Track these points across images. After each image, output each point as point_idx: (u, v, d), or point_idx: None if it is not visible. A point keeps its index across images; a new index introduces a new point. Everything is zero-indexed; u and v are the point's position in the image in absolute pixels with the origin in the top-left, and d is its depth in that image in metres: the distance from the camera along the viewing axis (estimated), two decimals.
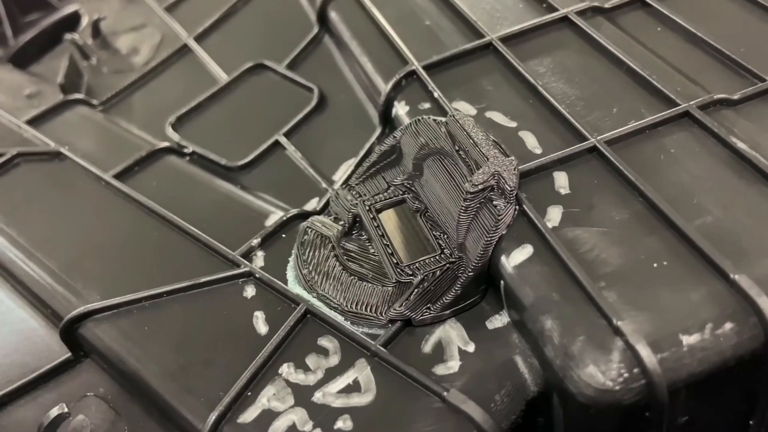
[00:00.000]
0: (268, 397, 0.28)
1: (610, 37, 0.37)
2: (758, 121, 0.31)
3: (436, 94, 0.36)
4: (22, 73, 0.57)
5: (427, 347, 0.29)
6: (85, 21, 0.62)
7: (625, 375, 0.23)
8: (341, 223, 0.34)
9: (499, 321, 0.29)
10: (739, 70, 0.33)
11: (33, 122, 0.47)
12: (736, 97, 0.32)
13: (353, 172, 0.37)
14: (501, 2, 0.42)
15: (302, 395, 0.28)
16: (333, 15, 0.46)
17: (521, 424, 0.27)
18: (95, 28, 0.59)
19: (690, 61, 0.35)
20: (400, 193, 0.35)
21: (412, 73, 0.38)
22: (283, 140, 0.42)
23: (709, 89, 0.33)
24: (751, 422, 0.26)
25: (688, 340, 0.24)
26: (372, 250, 0.33)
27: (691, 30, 0.36)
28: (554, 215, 0.29)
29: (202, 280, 0.33)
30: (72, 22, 0.63)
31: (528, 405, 0.27)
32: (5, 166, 0.43)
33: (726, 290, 0.25)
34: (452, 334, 0.29)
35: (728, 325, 0.24)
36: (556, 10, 0.39)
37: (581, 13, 0.39)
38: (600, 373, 0.24)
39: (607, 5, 0.39)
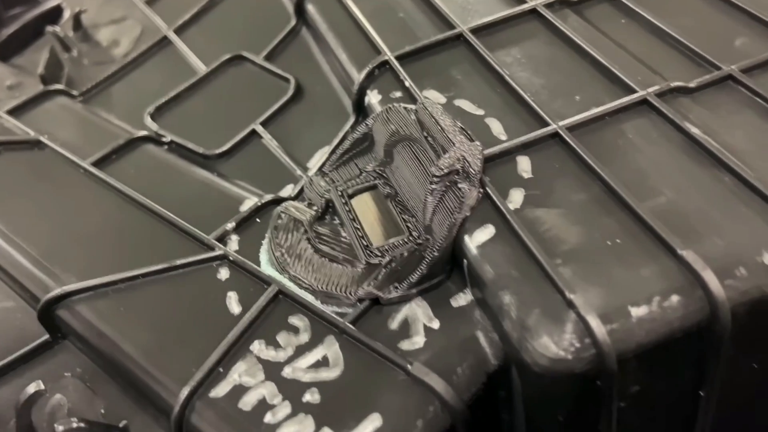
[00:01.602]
0: (239, 373, 0.29)
1: (576, 28, 0.38)
2: (712, 107, 0.32)
3: (407, 83, 0.37)
4: (3, 65, 0.57)
5: (394, 324, 0.30)
6: (66, 14, 0.63)
7: (577, 345, 0.25)
8: (315, 208, 0.35)
9: (462, 299, 0.30)
10: (698, 60, 0.35)
11: (13, 112, 0.48)
12: (692, 85, 0.33)
13: (327, 159, 0.38)
14: None
15: (272, 371, 0.29)
16: (310, 7, 0.47)
17: (483, 396, 0.28)
18: (76, 21, 0.60)
19: (651, 51, 0.36)
20: (372, 179, 0.36)
21: (385, 63, 0.39)
22: (260, 129, 0.43)
23: (668, 78, 0.34)
24: (701, 393, 0.28)
25: (636, 312, 0.25)
26: (343, 234, 0.34)
27: (653, 22, 0.37)
28: (516, 197, 0.30)
29: (177, 262, 0.34)
30: (54, 15, 0.64)
31: (489, 378, 0.28)
32: None
33: (674, 266, 0.26)
34: (418, 312, 0.30)
35: (675, 298, 0.25)
36: (525, 2, 0.40)
37: (549, 6, 0.40)
38: (553, 344, 0.25)
39: None
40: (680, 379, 0.27)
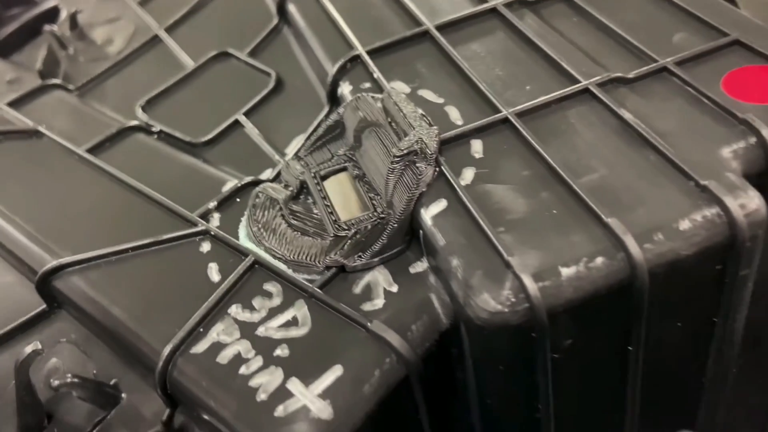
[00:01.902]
0: (217, 332, 0.32)
1: (531, 26, 0.42)
2: (647, 96, 0.35)
3: (375, 75, 0.40)
4: (3, 62, 0.60)
5: (357, 289, 0.33)
6: (63, 14, 0.66)
7: (513, 300, 0.28)
8: (290, 188, 0.38)
9: (419, 266, 0.33)
10: (638, 54, 0.38)
11: (13, 104, 0.51)
12: (630, 76, 0.36)
13: (303, 145, 0.41)
14: None
15: (247, 330, 0.32)
16: (291, 7, 0.51)
17: (435, 353, 0.32)
18: (73, 21, 0.63)
19: (597, 46, 0.40)
20: (343, 162, 0.39)
21: (357, 58, 0.42)
22: (243, 119, 0.46)
23: (610, 70, 0.37)
24: (629, 348, 0.31)
25: (565, 271, 0.28)
26: (315, 211, 0.37)
27: (601, 20, 0.41)
28: (468, 175, 0.33)
29: (163, 237, 0.37)
30: (52, 15, 0.67)
31: (441, 336, 0.32)
32: None
33: (600, 232, 0.29)
34: (379, 278, 0.33)
35: (600, 260, 0.28)
36: (486, 2, 0.44)
37: (508, 5, 0.43)
38: (492, 300, 0.28)
39: None
40: (609, 335, 0.30)
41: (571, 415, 0.32)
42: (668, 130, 0.33)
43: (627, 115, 0.34)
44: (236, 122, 0.46)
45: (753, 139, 0.32)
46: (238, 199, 0.39)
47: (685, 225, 0.29)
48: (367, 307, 0.32)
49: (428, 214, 0.32)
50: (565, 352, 0.30)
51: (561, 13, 0.43)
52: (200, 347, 0.32)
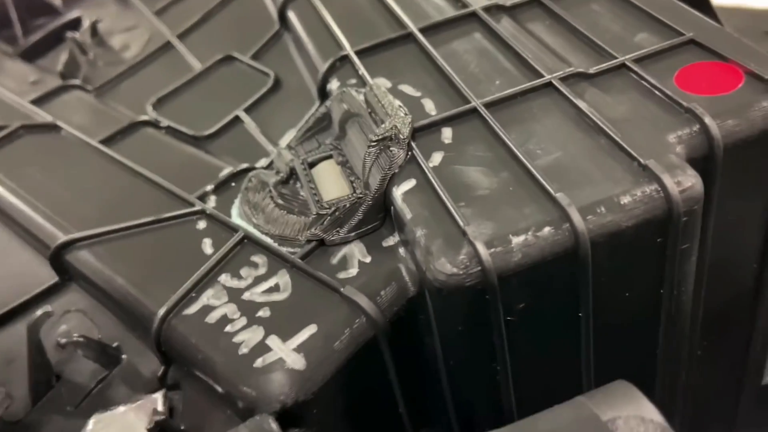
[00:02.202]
0: (208, 297, 0.36)
1: (506, 28, 0.45)
2: (605, 89, 0.39)
3: (360, 72, 0.44)
4: (28, 65, 0.65)
5: (335, 260, 0.36)
6: (85, 24, 0.71)
7: (467, 264, 0.31)
8: (281, 174, 0.42)
9: (391, 240, 0.36)
10: (602, 52, 0.41)
11: (35, 102, 0.55)
12: (591, 71, 0.40)
13: (294, 136, 0.45)
14: (428, 2, 0.50)
15: (235, 295, 0.36)
16: (290, 14, 0.55)
17: (404, 318, 0.35)
18: (93, 29, 0.68)
19: (566, 45, 0.43)
20: (329, 150, 0.42)
21: (345, 57, 0.46)
22: (243, 115, 0.50)
23: (575, 67, 0.40)
24: (580, 314, 0.34)
25: (515, 239, 0.31)
26: (301, 194, 0.40)
27: (570, 23, 0.44)
28: (436, 158, 0.37)
29: (164, 216, 0.41)
30: (74, 25, 0.72)
31: (409, 302, 0.35)
32: (10, 137, 0.51)
33: (550, 206, 0.32)
34: (355, 250, 0.36)
35: (547, 229, 0.31)
36: (467, 7, 0.47)
37: (487, 10, 0.47)
38: (449, 263, 0.31)
39: (508, 4, 0.47)
40: (559, 301, 0.33)
41: (529, 378, 0.35)
42: (620, 118, 0.36)
43: (583, 105, 0.37)
44: (236, 118, 0.50)
45: (696, 126, 0.35)
46: (233, 184, 0.43)
47: (626, 199, 0.32)
48: (342, 275, 0.35)
49: (399, 191, 0.35)
50: (518, 315, 0.33)
51: (536, 16, 0.46)
52: (192, 309, 0.35)
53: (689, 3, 0.45)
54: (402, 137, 0.37)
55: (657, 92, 0.38)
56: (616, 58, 0.40)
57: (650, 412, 0.26)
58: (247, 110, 0.50)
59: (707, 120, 0.35)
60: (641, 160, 0.33)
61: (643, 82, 0.38)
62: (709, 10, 0.61)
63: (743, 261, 0.41)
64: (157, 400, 0.35)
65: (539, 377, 0.36)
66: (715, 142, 0.35)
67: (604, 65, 0.40)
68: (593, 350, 0.36)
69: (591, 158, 0.34)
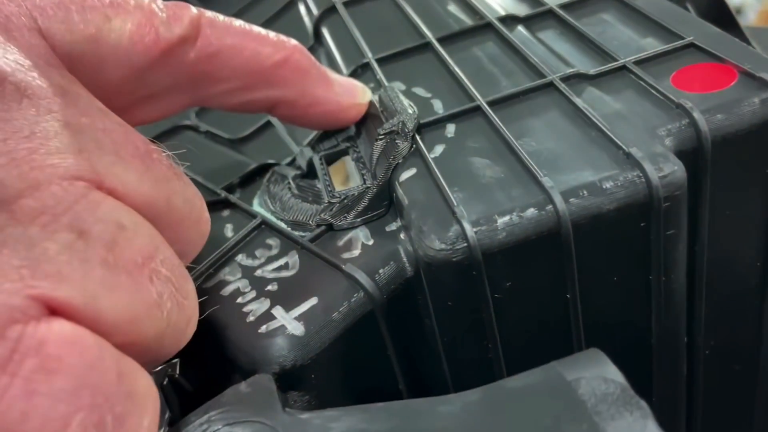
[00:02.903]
0: (224, 273, 0.39)
1: (517, 36, 0.48)
2: (605, 89, 0.40)
3: (378, 77, 0.47)
4: None
5: (341, 243, 0.39)
6: None
7: (453, 240, 0.33)
8: (300, 169, 0.45)
9: (394, 226, 0.39)
10: (606, 56, 0.43)
11: None
12: (591, 72, 0.42)
13: (316, 135, 0.48)
14: (449, 14, 0.53)
15: (248, 272, 0.39)
16: (324, 29, 0.59)
17: (402, 297, 0.37)
18: None
19: (572, 51, 0.45)
20: (345, 147, 0.46)
21: (367, 64, 0.49)
22: (274, 120, 0.54)
23: (578, 68, 0.43)
24: (568, 296, 0.36)
25: (501, 219, 0.33)
26: (317, 186, 0.44)
27: (579, 30, 0.46)
28: (438, 150, 0.39)
29: None
30: None
31: (407, 282, 0.37)
32: None
33: (536, 189, 0.34)
34: (359, 234, 0.39)
35: (531, 210, 0.33)
36: (482, 18, 0.50)
37: (502, 20, 0.49)
38: (437, 240, 0.34)
39: (522, 15, 0.50)
40: (545, 280, 0.35)
41: (520, 357, 0.37)
42: (612, 113, 0.38)
43: (578, 102, 0.39)
44: (268, 122, 0.54)
45: (686, 120, 0.37)
46: (258, 178, 0.47)
47: (607, 184, 0.34)
48: (345, 255, 0.38)
49: (400, 179, 0.38)
50: (506, 293, 0.35)
51: (548, 26, 0.49)
52: (209, 284, 0.39)
53: (716, 22, 0.47)
54: (407, 131, 0.40)
55: (653, 91, 0.39)
56: (617, 59, 0.42)
57: (613, 373, 0.28)
58: None
59: (696, 114, 0.37)
60: (625, 149, 0.35)
61: (640, 82, 0.40)
62: (736, 29, 0.63)
63: (745, 259, 0.42)
64: (176, 364, 0.38)
65: (530, 357, 0.37)
66: (703, 135, 0.36)
67: (605, 67, 0.42)
68: (583, 332, 0.37)
69: (580, 149, 0.36)
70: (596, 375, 0.28)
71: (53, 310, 0.25)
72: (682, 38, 0.43)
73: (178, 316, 0.29)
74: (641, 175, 0.34)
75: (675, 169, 0.34)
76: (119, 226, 0.27)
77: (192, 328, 0.31)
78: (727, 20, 0.64)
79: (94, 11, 0.31)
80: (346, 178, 0.43)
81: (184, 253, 0.33)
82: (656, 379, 0.41)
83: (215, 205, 0.45)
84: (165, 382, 0.34)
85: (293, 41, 0.40)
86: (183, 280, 0.30)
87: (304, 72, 0.40)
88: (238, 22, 0.38)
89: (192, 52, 0.35)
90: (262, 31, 0.39)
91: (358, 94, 0.43)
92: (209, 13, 0.36)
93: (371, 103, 0.44)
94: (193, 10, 0.35)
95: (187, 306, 0.30)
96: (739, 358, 0.46)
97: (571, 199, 0.33)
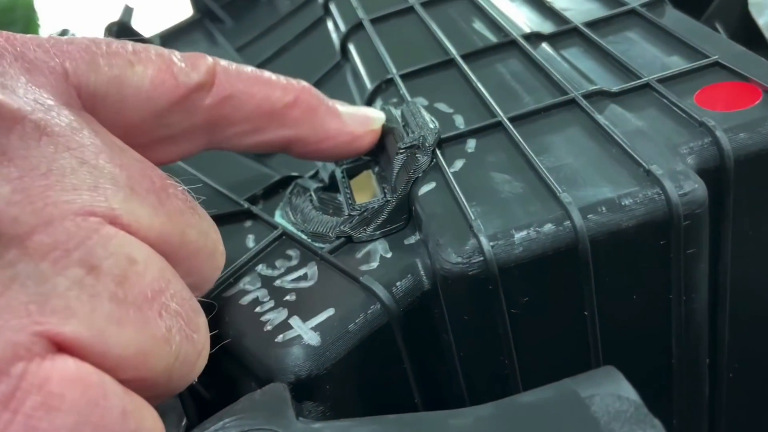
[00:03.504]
0: (244, 283, 0.40)
1: (541, 53, 0.48)
2: (627, 106, 0.40)
3: (402, 92, 0.47)
4: None
5: (359, 255, 0.39)
6: None
7: (470, 254, 0.33)
8: (322, 182, 0.46)
9: (412, 239, 0.39)
10: (630, 74, 0.43)
11: None
12: (614, 89, 0.42)
13: None
14: (474, 31, 0.53)
15: (267, 282, 0.39)
16: (350, 46, 0.59)
17: (419, 310, 0.37)
18: None
19: (596, 68, 0.45)
20: (367, 161, 0.46)
21: (391, 80, 0.50)
22: None
23: (601, 86, 0.42)
24: (585, 313, 0.35)
25: (518, 234, 0.33)
26: (338, 199, 0.44)
27: (603, 48, 0.46)
28: (458, 164, 0.39)
29: (215, 214, 0.45)
30: None
31: (423, 295, 0.37)
32: None
33: (554, 205, 0.34)
34: (378, 247, 0.39)
35: (548, 226, 0.33)
36: (507, 36, 0.50)
37: (526, 38, 0.50)
38: (454, 254, 0.34)
39: (547, 33, 0.50)
40: (563, 297, 0.35)
41: (537, 375, 0.37)
42: (634, 131, 0.38)
43: (600, 118, 0.39)
44: None
45: (708, 139, 0.36)
46: (280, 190, 0.47)
47: (627, 201, 0.33)
48: (363, 267, 0.38)
49: (419, 193, 0.38)
50: (523, 309, 0.35)
51: (572, 44, 0.49)
52: (229, 292, 0.39)
53: (746, 41, 0.47)
54: (427, 145, 0.40)
55: (676, 109, 0.39)
56: (641, 77, 0.42)
57: (627, 391, 0.27)
58: None
59: (718, 133, 0.36)
60: (645, 166, 0.34)
61: (663, 100, 0.40)
62: (766, 48, 0.62)
63: None
64: None
65: (546, 373, 0.37)
66: (726, 153, 0.36)
67: (628, 84, 0.42)
68: (602, 350, 0.37)
69: (600, 165, 0.36)
70: (610, 392, 0.27)
71: (60, 345, 0.26)
72: (707, 56, 0.42)
73: (187, 349, 0.30)
74: (661, 192, 0.33)
75: (695, 187, 0.33)
76: (130, 260, 0.28)
77: (203, 361, 0.32)
78: (756, 39, 0.63)
79: (118, 57, 0.33)
80: (367, 191, 0.44)
81: (198, 286, 0.33)
82: (676, 400, 0.40)
83: (238, 216, 0.45)
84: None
85: (302, 82, 0.41)
86: (193, 314, 0.31)
87: (313, 110, 0.41)
88: (250, 68, 0.40)
89: (208, 97, 0.37)
90: (273, 75, 0.40)
91: (370, 121, 0.44)
92: (223, 62, 0.38)
93: (393, 118, 0.44)
94: (209, 59, 0.38)
95: (197, 340, 0.31)
96: (766, 381, 0.45)
97: (589, 215, 0.33)
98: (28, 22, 1.98)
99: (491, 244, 0.33)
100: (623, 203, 0.34)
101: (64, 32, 0.82)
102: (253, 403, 0.32)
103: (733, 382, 0.44)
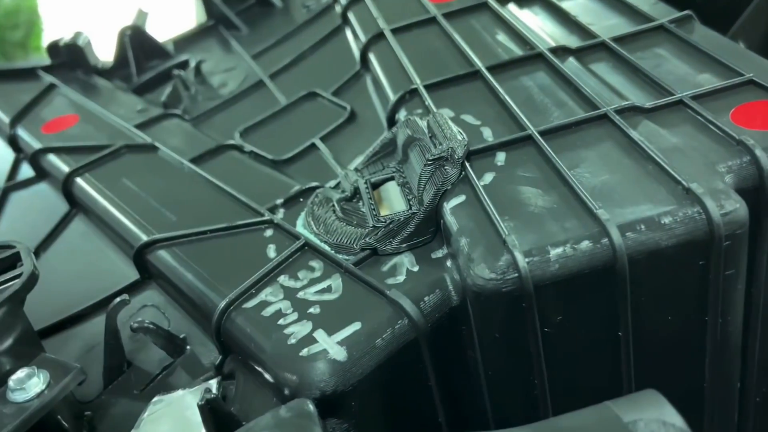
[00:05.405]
0: (266, 294, 0.39)
1: (569, 67, 0.47)
2: (660, 122, 0.40)
3: (427, 103, 0.47)
4: (136, 96, 0.72)
5: (385, 268, 0.38)
6: (192, 64, 0.78)
7: (504, 270, 0.32)
8: (345, 192, 0.45)
9: (440, 253, 0.38)
10: (662, 90, 0.42)
11: (139, 126, 0.62)
12: (647, 105, 0.41)
13: (361, 160, 0.48)
14: (498, 43, 0.53)
15: (290, 293, 0.38)
16: (371, 55, 0.59)
17: (446, 327, 0.36)
18: (197, 69, 0.75)
19: (626, 84, 0.44)
20: (392, 172, 0.45)
21: (415, 90, 0.49)
22: (318, 142, 0.54)
23: (632, 101, 0.42)
24: (619, 333, 0.34)
25: (554, 250, 0.32)
26: (362, 210, 0.43)
27: (633, 64, 0.45)
28: (487, 177, 0.38)
29: (236, 223, 0.44)
30: (183, 66, 0.80)
31: (451, 311, 0.36)
32: (114, 154, 0.57)
33: (591, 221, 0.33)
34: (404, 260, 0.38)
35: (585, 243, 0.32)
36: (533, 49, 0.50)
37: (553, 51, 0.49)
38: (487, 269, 0.33)
39: (574, 47, 0.49)
40: (597, 316, 0.34)
41: (567, 396, 0.36)
42: (670, 147, 0.37)
43: (634, 135, 0.38)
44: (312, 145, 0.54)
45: (747, 158, 0.36)
46: (301, 199, 0.46)
47: (666, 219, 0.33)
48: (390, 281, 0.37)
49: (449, 206, 0.38)
50: (556, 328, 0.34)
51: (600, 58, 0.48)
52: (250, 304, 0.38)
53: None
54: (456, 157, 0.39)
55: (711, 126, 0.38)
56: (673, 94, 0.41)
57: (672, 417, 0.26)
58: (323, 139, 0.54)
59: (758, 152, 0.35)
60: (685, 184, 0.34)
61: (698, 117, 0.39)
62: None
63: None
64: (212, 384, 0.38)
65: (577, 396, 0.36)
66: (766, 173, 0.35)
67: (661, 101, 0.41)
68: (634, 372, 0.36)
69: (637, 182, 0.35)
70: (654, 418, 0.26)
71: None
72: (741, 74, 0.42)
73: None
74: (702, 211, 0.32)
75: (737, 207, 0.33)
76: None
77: None
78: None
79: None
80: (391, 202, 0.43)
81: None
82: (707, 425, 0.39)
83: (258, 225, 0.44)
84: (203, 403, 0.34)
85: None
86: None
87: None
88: None
89: None
90: None
91: None
92: None
93: (419, 128, 0.43)
94: None
95: None
96: None
97: (628, 233, 0.32)
98: (32, 26, 1.98)
99: (527, 260, 0.32)
100: (663, 222, 0.33)
101: (77, 35, 0.82)
102: (278, 419, 0.31)
103: (760, 407, 0.43)
